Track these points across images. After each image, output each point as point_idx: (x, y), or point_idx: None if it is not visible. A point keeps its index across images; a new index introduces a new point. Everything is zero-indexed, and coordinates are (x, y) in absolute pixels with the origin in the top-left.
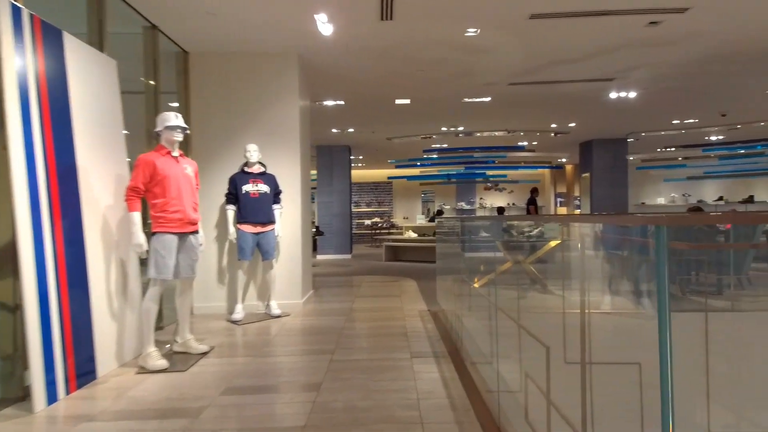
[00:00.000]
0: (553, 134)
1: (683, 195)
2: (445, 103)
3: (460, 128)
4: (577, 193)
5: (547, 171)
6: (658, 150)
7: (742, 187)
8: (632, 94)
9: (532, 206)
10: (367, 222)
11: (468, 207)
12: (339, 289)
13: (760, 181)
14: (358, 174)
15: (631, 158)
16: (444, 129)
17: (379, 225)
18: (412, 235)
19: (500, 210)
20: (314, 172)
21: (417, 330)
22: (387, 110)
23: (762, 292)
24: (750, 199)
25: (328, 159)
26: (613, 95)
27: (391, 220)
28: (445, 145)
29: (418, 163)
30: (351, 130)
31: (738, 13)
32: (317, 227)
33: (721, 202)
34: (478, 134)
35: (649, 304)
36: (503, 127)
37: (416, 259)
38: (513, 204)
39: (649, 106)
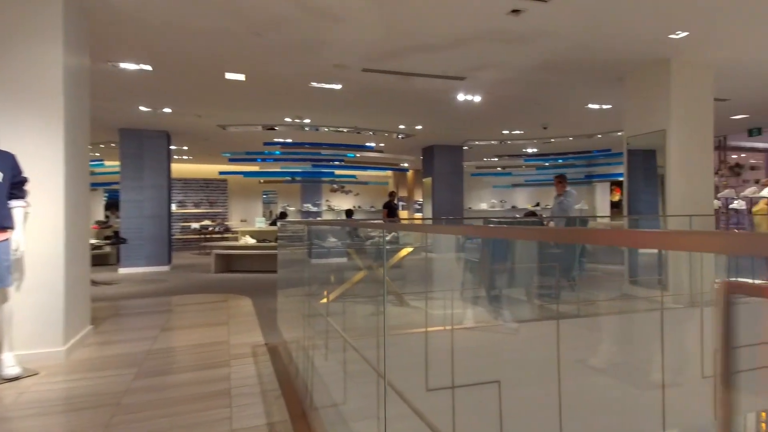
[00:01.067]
0: (400, 136)
1: (501, 201)
2: (289, 85)
3: (306, 120)
4: (418, 198)
5: (390, 174)
6: (485, 159)
7: (552, 193)
8: (477, 98)
9: (385, 210)
10: (196, 225)
11: (314, 209)
12: (139, 319)
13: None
14: (185, 169)
15: (466, 165)
16: (288, 120)
17: (210, 229)
18: (250, 240)
19: (349, 213)
20: (116, 162)
21: (247, 381)
22: (216, 88)
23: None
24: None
25: (136, 146)
26: (460, 97)
27: (226, 224)
28: (289, 140)
29: (258, 159)
30: (167, 110)
31: (597, 10)
32: (116, 233)
33: (538, 207)
34: (326, 129)
35: (509, 315)
36: (352, 124)
37: (255, 269)
38: (359, 207)
39: (487, 114)
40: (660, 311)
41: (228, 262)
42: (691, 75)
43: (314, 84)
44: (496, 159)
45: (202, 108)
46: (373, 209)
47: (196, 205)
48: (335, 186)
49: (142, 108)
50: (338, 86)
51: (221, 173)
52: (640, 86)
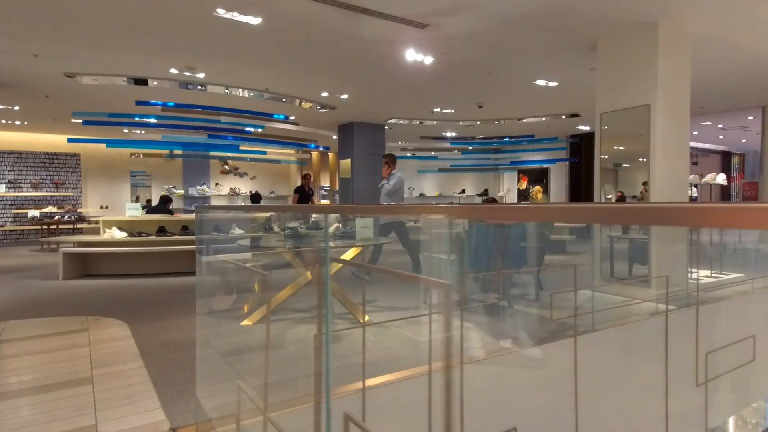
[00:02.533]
0: (319, 108)
1: (409, 189)
2: (182, 12)
3: (200, 75)
4: (323, 183)
5: (293, 153)
6: (400, 142)
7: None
8: (428, 60)
9: (296, 195)
10: (35, 213)
11: (207, 193)
12: None
13: (473, 177)
14: (19, 139)
15: (388, 146)
16: (174, 71)
17: (57, 218)
18: (118, 234)
19: (255, 197)
20: None
21: None
22: (64, 7)
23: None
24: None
25: None
26: (410, 56)
27: (80, 211)
28: (171, 102)
29: (126, 124)
30: None
31: None
32: None
33: (464, 195)
34: (226, 91)
35: (526, 338)
36: (263, 85)
37: (128, 273)
38: (254, 193)
39: (427, 85)
40: (665, 316)
41: (84, 264)
42: (678, 43)
43: (221, 12)
44: (417, 142)
45: (41, 42)
46: (273, 195)
47: (36, 187)
48: (227, 167)
49: None
50: (257, 20)
51: (70, 140)
52: (621, 54)
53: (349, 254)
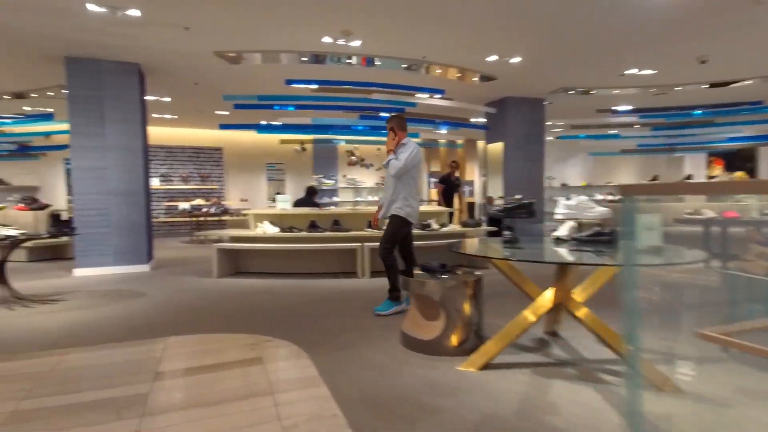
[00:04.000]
0: (478, 78)
1: (547, 178)
2: None
3: (355, 43)
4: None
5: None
6: (551, 122)
7: (608, 168)
8: None
9: (441, 186)
10: (185, 206)
11: (330, 183)
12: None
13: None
14: (169, 134)
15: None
16: (327, 40)
17: (205, 210)
18: (270, 229)
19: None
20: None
21: None
22: None
23: None
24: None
25: (92, 86)
26: None
27: (223, 203)
28: (321, 80)
29: (276, 107)
30: (134, 12)
31: None
32: (56, 217)
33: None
34: (378, 63)
35: None
36: (420, 51)
37: (282, 272)
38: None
39: (636, 34)
40: None
41: (236, 260)
42: None
43: None
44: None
45: (192, 12)
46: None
47: (185, 180)
48: (353, 158)
49: (92, 7)
50: None
51: (223, 126)
52: None
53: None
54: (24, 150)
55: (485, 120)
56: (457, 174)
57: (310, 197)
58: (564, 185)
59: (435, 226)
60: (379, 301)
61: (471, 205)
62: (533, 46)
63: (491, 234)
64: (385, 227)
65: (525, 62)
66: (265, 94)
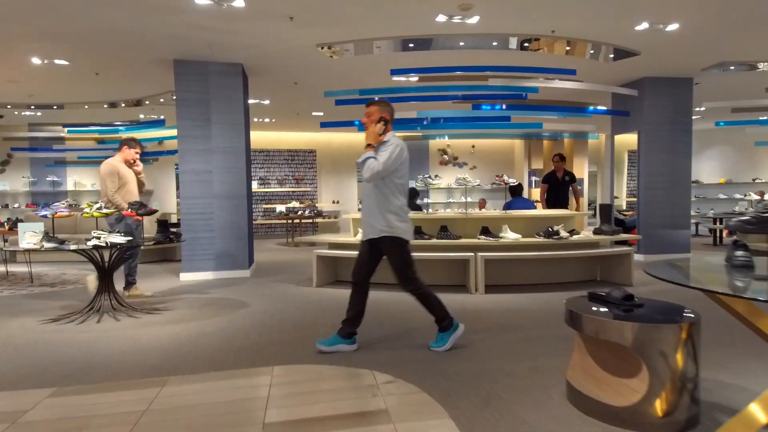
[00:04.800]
0: (612, 55)
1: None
2: None
3: (472, 20)
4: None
5: (518, 141)
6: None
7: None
8: None
9: (544, 186)
10: (281, 208)
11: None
12: None
13: None
14: (266, 138)
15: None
16: (442, 18)
17: (300, 213)
18: None
19: (516, 189)
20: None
21: None
22: None
23: None
24: None
25: (198, 88)
26: None
27: (317, 206)
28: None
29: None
30: (238, 3)
31: None
32: (163, 223)
33: None
34: (494, 44)
35: None
36: (550, 24)
37: (383, 282)
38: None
39: None
40: None
41: (334, 268)
42: None
43: None
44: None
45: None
46: (496, 186)
47: (281, 183)
48: (446, 157)
49: (199, 0)
50: None
51: (323, 125)
52: None
53: None
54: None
55: (604, 108)
56: (562, 170)
57: (410, 200)
58: (696, 182)
59: (563, 233)
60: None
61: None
62: (699, 8)
63: (619, 243)
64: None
65: (683, 30)
66: (367, 88)
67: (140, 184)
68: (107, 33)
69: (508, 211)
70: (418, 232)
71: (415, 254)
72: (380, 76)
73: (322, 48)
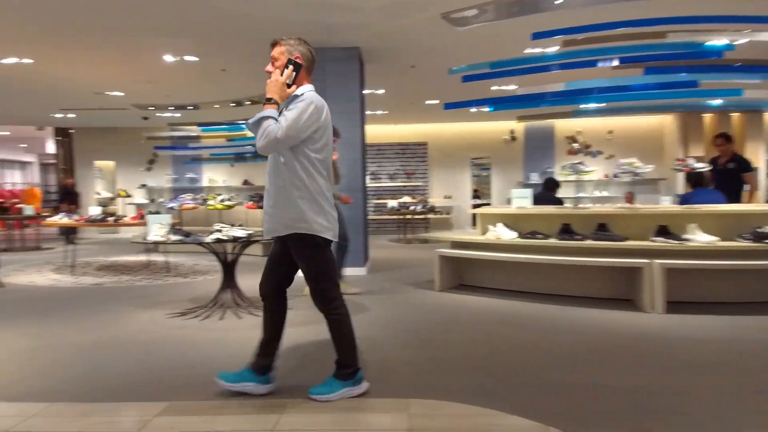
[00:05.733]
0: None
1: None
2: None
3: None
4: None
5: (669, 119)
6: None
7: None
8: None
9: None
10: (393, 204)
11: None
12: None
13: None
14: (378, 132)
15: None
16: None
17: (411, 208)
18: (506, 234)
19: (698, 178)
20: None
21: None
22: None
23: None
24: None
25: (316, 78)
26: None
27: (429, 201)
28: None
29: (512, 75)
30: None
31: None
32: None
33: None
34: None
35: None
36: None
37: (519, 290)
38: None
39: None
40: None
41: (458, 270)
42: None
43: None
44: None
45: None
46: (638, 177)
47: (392, 178)
48: (575, 145)
49: None
50: None
51: (447, 105)
52: None
53: None
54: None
55: None
56: (728, 154)
57: (549, 191)
58: None
59: None
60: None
61: None
62: None
63: None
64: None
65: None
66: (499, 59)
67: (336, 175)
68: (229, 20)
69: (693, 206)
70: (567, 232)
71: (562, 258)
72: (518, 44)
73: (447, 18)
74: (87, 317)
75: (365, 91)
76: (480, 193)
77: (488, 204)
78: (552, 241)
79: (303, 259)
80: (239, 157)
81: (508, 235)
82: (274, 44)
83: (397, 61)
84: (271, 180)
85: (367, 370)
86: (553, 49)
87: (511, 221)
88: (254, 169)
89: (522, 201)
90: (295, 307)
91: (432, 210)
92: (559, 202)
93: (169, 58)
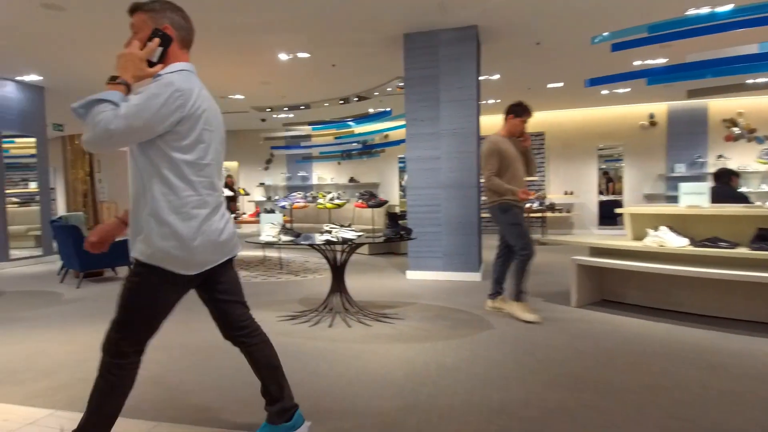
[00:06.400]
0: None
1: None
2: None
3: None
4: None
5: None
6: None
7: None
8: None
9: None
10: None
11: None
12: None
13: None
14: (485, 123)
15: None
16: None
17: (527, 206)
18: (673, 241)
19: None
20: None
21: None
22: None
23: None
24: None
25: (426, 61)
26: None
27: (549, 197)
28: None
29: (683, 35)
30: None
31: None
32: (393, 216)
33: None
34: None
35: None
36: None
37: (683, 311)
38: None
39: None
40: None
41: (601, 282)
42: None
43: None
44: None
45: None
46: None
47: None
48: (736, 129)
49: None
50: None
51: (591, 82)
52: None
53: None
54: (367, 148)
55: None
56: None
57: (727, 185)
58: None
59: None
60: None
61: None
62: None
63: None
64: None
65: None
66: (657, 21)
67: (530, 163)
68: (339, 11)
69: None
70: (763, 239)
71: (752, 274)
72: (671, 7)
73: None
74: (197, 318)
75: (480, 78)
76: (601, 189)
77: (617, 202)
78: (742, 250)
79: (125, 287)
80: (346, 154)
81: (676, 242)
82: (134, 9)
83: (521, 37)
84: (131, 185)
85: (500, 418)
86: (726, 7)
87: (677, 224)
88: (360, 167)
89: (695, 198)
90: (406, 317)
91: (551, 208)
92: (744, 198)
93: (283, 56)
